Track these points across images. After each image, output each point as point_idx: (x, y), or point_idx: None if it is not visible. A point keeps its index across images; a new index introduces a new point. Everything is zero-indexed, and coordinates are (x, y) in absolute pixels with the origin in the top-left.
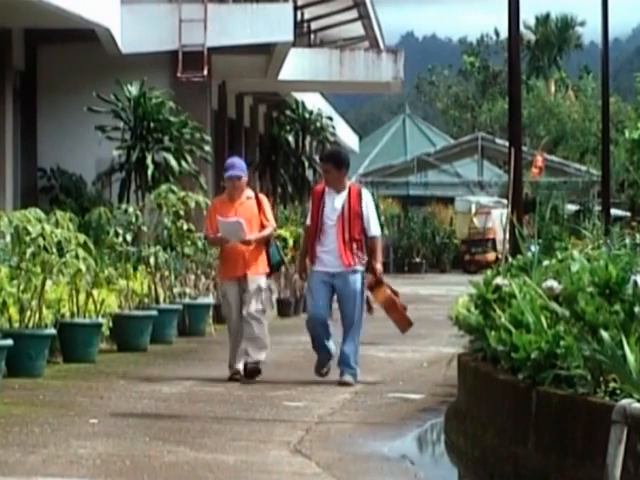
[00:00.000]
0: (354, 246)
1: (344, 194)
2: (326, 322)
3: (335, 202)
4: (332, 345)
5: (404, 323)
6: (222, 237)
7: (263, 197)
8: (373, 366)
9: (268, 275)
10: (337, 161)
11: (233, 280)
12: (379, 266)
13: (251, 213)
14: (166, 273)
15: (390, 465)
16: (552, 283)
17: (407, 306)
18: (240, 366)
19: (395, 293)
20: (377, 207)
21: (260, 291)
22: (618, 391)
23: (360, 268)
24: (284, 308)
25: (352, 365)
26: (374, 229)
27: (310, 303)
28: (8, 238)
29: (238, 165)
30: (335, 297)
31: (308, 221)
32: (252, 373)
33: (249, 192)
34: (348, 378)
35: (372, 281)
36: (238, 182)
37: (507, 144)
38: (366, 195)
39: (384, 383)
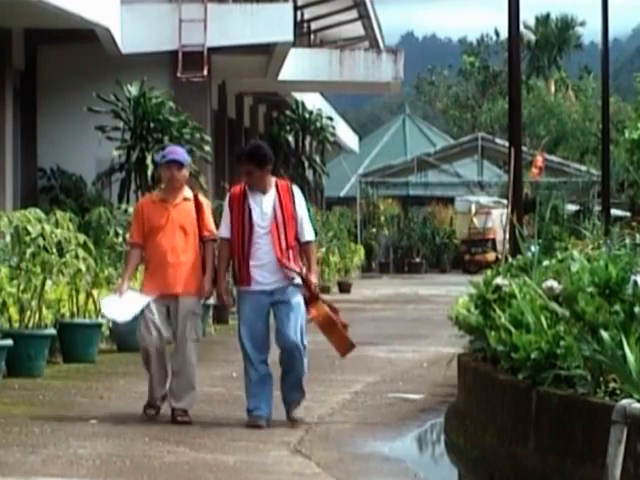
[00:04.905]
0: (290, 255)
1: (272, 193)
2: (269, 368)
3: (264, 205)
4: (271, 404)
5: (344, 344)
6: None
7: (204, 199)
8: (373, 366)
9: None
10: (259, 160)
11: (159, 298)
12: (314, 279)
13: (187, 217)
14: None
15: (390, 465)
16: (552, 283)
17: (348, 323)
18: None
19: (334, 310)
20: (309, 209)
21: (193, 316)
22: (618, 391)
23: (299, 281)
24: None
25: (303, 388)
26: (308, 233)
27: (249, 340)
28: (8, 238)
29: (179, 152)
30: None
31: (224, 233)
32: (179, 423)
33: (188, 192)
34: (299, 413)
35: (306, 296)
36: (177, 171)
37: (507, 144)
38: (298, 192)
39: (384, 383)
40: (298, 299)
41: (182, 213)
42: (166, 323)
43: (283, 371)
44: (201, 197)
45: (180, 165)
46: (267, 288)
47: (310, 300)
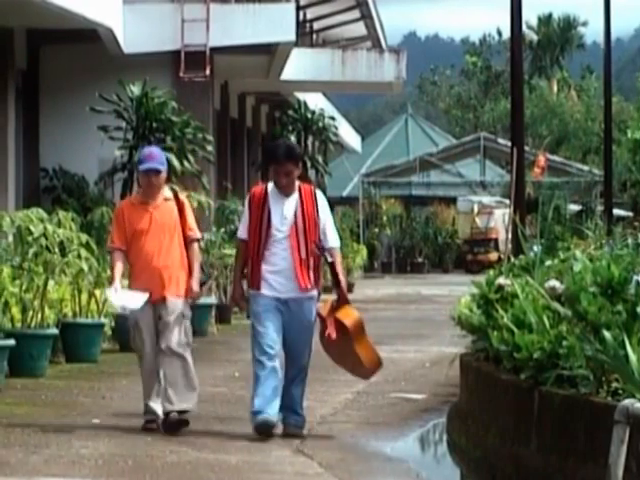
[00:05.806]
0: (311, 263)
1: (294, 197)
2: (280, 365)
3: (285, 208)
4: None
5: (372, 359)
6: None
7: (185, 198)
8: None
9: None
10: (297, 158)
11: (147, 303)
12: (344, 281)
13: (170, 218)
14: None
15: (392, 465)
16: (554, 283)
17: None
18: (159, 410)
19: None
20: (332, 212)
21: (183, 318)
22: (620, 391)
23: (315, 293)
24: None
25: (299, 412)
26: (332, 239)
27: (262, 338)
28: (11, 238)
29: (157, 156)
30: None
31: (243, 234)
32: (176, 426)
33: (167, 192)
34: (295, 429)
35: (334, 301)
36: (156, 178)
37: (509, 144)
38: (321, 197)
39: (386, 383)
40: (312, 317)
41: (164, 214)
42: (156, 328)
43: (288, 382)
44: (182, 196)
45: (158, 172)
46: (281, 296)
47: (341, 304)
